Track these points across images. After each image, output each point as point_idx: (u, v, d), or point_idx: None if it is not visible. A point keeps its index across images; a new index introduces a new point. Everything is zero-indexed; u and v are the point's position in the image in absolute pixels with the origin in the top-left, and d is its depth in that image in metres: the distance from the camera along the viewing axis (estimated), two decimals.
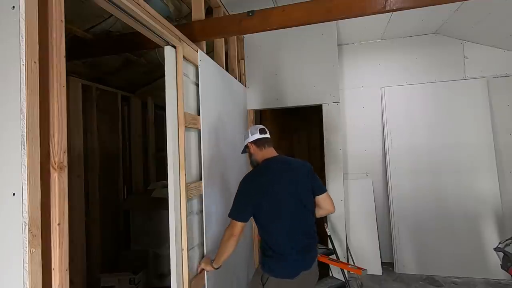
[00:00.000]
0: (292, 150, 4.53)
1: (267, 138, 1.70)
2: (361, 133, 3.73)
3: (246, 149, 1.74)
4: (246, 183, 1.58)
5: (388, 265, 3.51)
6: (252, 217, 1.57)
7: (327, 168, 3.09)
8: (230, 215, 1.56)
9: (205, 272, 1.80)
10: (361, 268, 2.33)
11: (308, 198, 1.61)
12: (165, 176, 1.77)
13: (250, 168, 1.73)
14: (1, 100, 0.83)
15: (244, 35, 3.27)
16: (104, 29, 2.57)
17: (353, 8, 1.79)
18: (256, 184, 1.56)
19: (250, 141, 1.69)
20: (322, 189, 1.66)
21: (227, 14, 2.74)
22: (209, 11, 2.62)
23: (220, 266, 1.69)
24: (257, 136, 1.67)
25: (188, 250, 1.66)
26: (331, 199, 1.68)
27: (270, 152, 1.67)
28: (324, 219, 2.99)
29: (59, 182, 0.89)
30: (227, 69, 2.75)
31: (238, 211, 1.55)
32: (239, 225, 1.53)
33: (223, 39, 2.64)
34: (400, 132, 3.55)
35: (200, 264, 1.78)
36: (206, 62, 2.05)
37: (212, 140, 2.07)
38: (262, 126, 1.73)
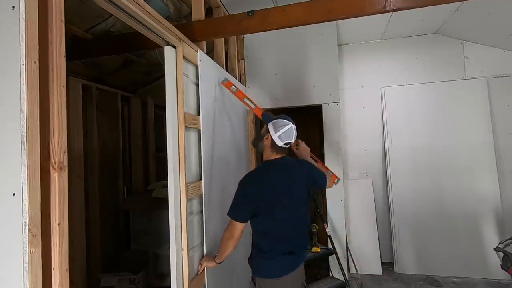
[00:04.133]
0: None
1: (285, 149, 1.62)
2: (361, 133, 3.73)
3: (262, 133, 1.65)
4: (244, 185, 1.55)
5: (388, 265, 3.51)
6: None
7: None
8: (229, 214, 1.53)
9: (205, 272, 1.80)
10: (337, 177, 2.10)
11: (303, 200, 1.65)
12: (165, 176, 1.77)
13: (251, 168, 1.73)
14: (1, 100, 0.83)
15: (244, 35, 3.27)
16: (104, 29, 2.57)
17: (353, 8, 1.79)
18: (253, 185, 1.54)
19: (272, 136, 1.58)
20: (324, 180, 1.76)
21: (227, 14, 2.74)
22: (209, 11, 2.62)
23: (222, 261, 1.71)
24: (280, 143, 1.57)
25: (188, 250, 1.66)
26: (331, 180, 1.87)
27: (276, 156, 1.61)
28: (324, 219, 2.99)
29: (59, 182, 0.89)
30: (227, 69, 2.75)
31: (236, 210, 1.52)
32: (238, 226, 1.50)
33: (223, 39, 2.65)
34: (400, 132, 3.55)
35: (201, 264, 1.78)
36: (206, 62, 2.05)
37: (212, 140, 2.07)
38: (291, 141, 1.60)
